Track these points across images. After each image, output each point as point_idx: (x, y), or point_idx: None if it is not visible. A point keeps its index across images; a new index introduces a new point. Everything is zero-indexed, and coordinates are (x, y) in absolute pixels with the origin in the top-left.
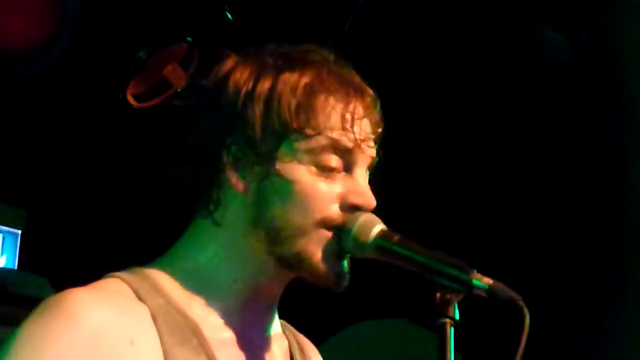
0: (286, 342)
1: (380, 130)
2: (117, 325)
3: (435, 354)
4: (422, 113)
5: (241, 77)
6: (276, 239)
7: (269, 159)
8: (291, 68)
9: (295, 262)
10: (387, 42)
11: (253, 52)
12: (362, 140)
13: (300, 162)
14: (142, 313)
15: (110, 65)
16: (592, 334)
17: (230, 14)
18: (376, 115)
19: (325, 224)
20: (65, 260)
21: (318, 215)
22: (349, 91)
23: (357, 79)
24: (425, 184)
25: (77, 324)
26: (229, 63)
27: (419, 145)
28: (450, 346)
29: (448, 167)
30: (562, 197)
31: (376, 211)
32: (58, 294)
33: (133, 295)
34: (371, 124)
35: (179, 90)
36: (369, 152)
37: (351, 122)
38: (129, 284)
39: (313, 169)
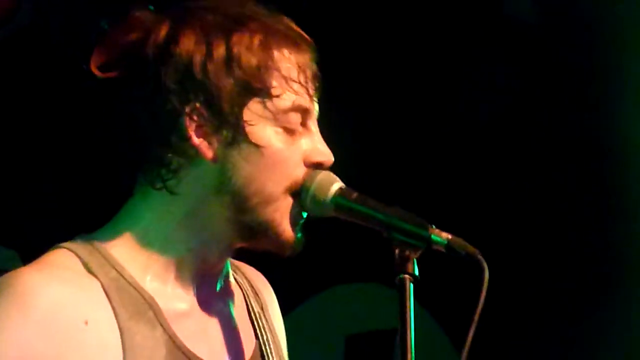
0: (241, 296)
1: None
2: (69, 306)
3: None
4: (387, 77)
5: (189, 42)
6: (243, 206)
7: (235, 123)
8: (239, 26)
9: (259, 231)
10: (349, 7)
11: (184, 12)
12: (315, 95)
13: (267, 123)
14: (94, 288)
15: (72, 37)
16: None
17: None
18: (315, 62)
19: (291, 189)
20: (34, 231)
21: (287, 182)
22: (298, 42)
23: (297, 28)
24: (391, 143)
25: (28, 308)
26: (164, 28)
27: (384, 108)
28: (410, 302)
29: (415, 130)
30: (533, 160)
31: (340, 167)
32: (6, 276)
33: (83, 269)
34: (316, 73)
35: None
36: (316, 107)
37: (304, 75)
38: (79, 257)
39: (280, 130)
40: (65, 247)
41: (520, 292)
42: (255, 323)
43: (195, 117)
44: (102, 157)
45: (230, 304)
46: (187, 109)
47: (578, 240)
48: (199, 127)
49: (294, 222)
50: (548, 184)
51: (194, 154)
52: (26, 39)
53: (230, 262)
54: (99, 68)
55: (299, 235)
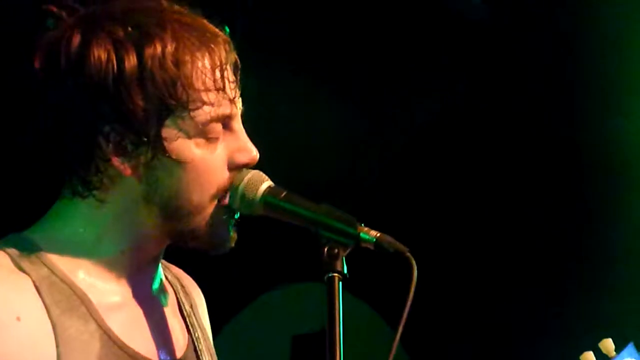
0: (173, 294)
1: (239, 71)
2: (0, 303)
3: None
4: (335, 72)
5: (100, 58)
6: (173, 216)
7: (154, 141)
8: (148, 38)
9: (189, 236)
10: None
11: (93, 20)
12: (234, 97)
13: (187, 137)
14: (25, 285)
15: (19, 37)
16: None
17: None
18: (234, 55)
19: (218, 194)
20: None
21: (213, 189)
22: (209, 43)
23: (206, 23)
24: (338, 142)
25: None
26: (75, 38)
27: (330, 103)
28: (338, 300)
29: (363, 127)
30: (479, 159)
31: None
32: None
33: (14, 267)
34: (234, 68)
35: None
36: (239, 104)
37: (221, 80)
38: (9, 254)
39: (200, 141)
40: None
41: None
42: (187, 320)
43: (112, 137)
44: (30, 158)
45: (163, 300)
46: (105, 128)
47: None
48: (117, 146)
49: (222, 225)
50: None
51: (115, 173)
52: None
53: (164, 266)
54: (38, 70)
55: (231, 234)
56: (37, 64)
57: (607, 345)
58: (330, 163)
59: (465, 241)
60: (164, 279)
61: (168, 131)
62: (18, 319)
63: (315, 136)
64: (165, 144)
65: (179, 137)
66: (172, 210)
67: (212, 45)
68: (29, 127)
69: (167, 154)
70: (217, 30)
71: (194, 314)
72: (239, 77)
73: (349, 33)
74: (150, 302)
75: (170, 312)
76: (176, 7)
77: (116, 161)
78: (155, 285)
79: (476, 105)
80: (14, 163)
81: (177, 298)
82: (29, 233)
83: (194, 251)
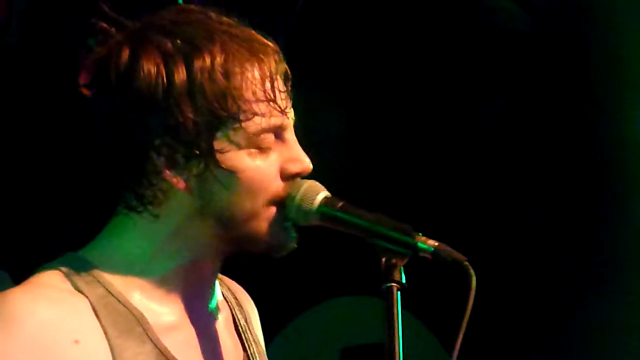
0: (228, 310)
1: (290, 82)
2: (58, 326)
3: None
4: (377, 87)
5: (149, 72)
6: (228, 225)
7: (206, 153)
8: (198, 51)
9: (247, 242)
10: (338, 17)
11: (141, 34)
12: (286, 107)
13: (239, 148)
14: (82, 306)
15: (60, 55)
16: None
17: None
18: (284, 66)
19: (272, 201)
20: (25, 252)
21: (265, 196)
22: (259, 54)
23: (254, 34)
24: (383, 154)
25: (16, 331)
26: (125, 52)
27: (374, 117)
28: (397, 310)
29: (404, 140)
30: (520, 173)
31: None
32: None
33: (71, 287)
34: (284, 78)
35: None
36: (291, 114)
37: (272, 90)
38: (66, 275)
39: (253, 151)
40: (52, 267)
41: (511, 295)
42: (243, 336)
43: (164, 150)
44: (85, 177)
45: (219, 317)
46: (156, 142)
47: (570, 246)
48: (169, 159)
49: (279, 228)
50: (541, 191)
51: (168, 187)
52: (15, 57)
53: (220, 281)
54: (86, 87)
55: (292, 235)
56: (84, 82)
57: None
58: (373, 177)
59: (515, 253)
60: (220, 296)
61: (220, 143)
62: (76, 342)
63: (358, 147)
64: (218, 155)
65: (230, 148)
66: (227, 220)
67: (262, 56)
68: (80, 145)
69: (219, 166)
70: (265, 40)
71: (249, 329)
72: (289, 87)
73: (387, 45)
74: (206, 321)
75: (226, 330)
76: (224, 18)
77: (168, 174)
78: (212, 304)
79: (516, 116)
80: (71, 184)
81: (232, 314)
82: (84, 252)
83: (246, 261)
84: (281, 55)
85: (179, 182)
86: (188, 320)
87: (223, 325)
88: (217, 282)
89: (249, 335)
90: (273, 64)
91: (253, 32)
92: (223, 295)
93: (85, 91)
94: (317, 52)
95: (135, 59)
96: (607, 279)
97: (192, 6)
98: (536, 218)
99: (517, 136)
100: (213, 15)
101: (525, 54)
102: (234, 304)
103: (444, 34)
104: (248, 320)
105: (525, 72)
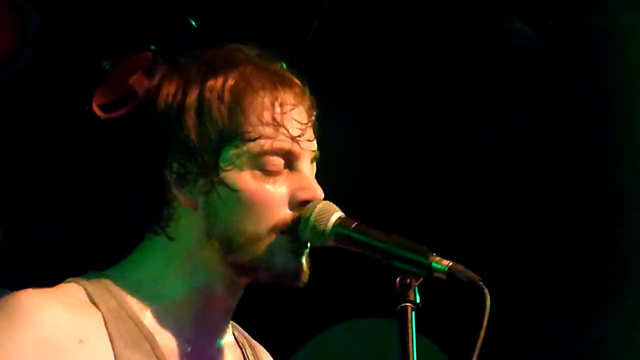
0: (239, 352)
1: (314, 117)
2: (65, 324)
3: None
4: (394, 107)
5: (169, 91)
6: (229, 247)
7: (211, 170)
8: (214, 73)
9: (250, 269)
10: (355, 36)
11: (180, 61)
12: (299, 135)
13: (242, 168)
14: (94, 316)
15: (75, 77)
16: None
17: (194, 20)
18: (308, 102)
19: (278, 228)
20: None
21: (270, 222)
22: (276, 84)
23: (284, 71)
24: (399, 175)
25: (25, 323)
26: (156, 78)
27: (391, 138)
28: (412, 330)
29: (421, 161)
30: (538, 191)
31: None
32: (10, 294)
33: (86, 298)
34: (305, 112)
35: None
36: (307, 145)
37: (282, 116)
38: (83, 287)
39: (257, 173)
40: (73, 280)
41: (521, 312)
42: None
43: (175, 166)
44: (111, 202)
45: (228, 354)
46: (169, 159)
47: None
48: (180, 177)
49: (284, 256)
50: (549, 206)
51: (180, 207)
52: (29, 80)
53: (237, 330)
54: (101, 108)
55: (302, 265)
56: (118, 96)
57: None
58: (389, 197)
59: (527, 271)
60: (232, 339)
61: (224, 161)
62: (80, 341)
63: (376, 167)
64: (222, 174)
65: (234, 166)
66: (228, 241)
67: (279, 86)
68: (102, 168)
69: (221, 182)
70: (292, 77)
71: None
72: (311, 120)
73: (408, 66)
74: (213, 354)
75: None
76: (264, 57)
77: (177, 192)
78: (222, 340)
79: (532, 137)
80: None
81: (243, 357)
82: (107, 271)
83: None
84: (305, 91)
85: (188, 201)
86: (197, 350)
87: None
88: (231, 329)
89: None
90: (290, 95)
91: (285, 70)
92: (235, 336)
93: (100, 112)
94: (334, 72)
95: (162, 80)
96: (616, 294)
97: (242, 46)
98: (554, 237)
99: (534, 156)
100: (254, 52)
101: (542, 74)
102: (246, 347)
103: (465, 55)
104: None
105: (544, 92)
